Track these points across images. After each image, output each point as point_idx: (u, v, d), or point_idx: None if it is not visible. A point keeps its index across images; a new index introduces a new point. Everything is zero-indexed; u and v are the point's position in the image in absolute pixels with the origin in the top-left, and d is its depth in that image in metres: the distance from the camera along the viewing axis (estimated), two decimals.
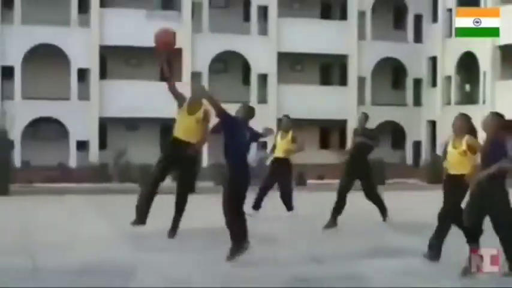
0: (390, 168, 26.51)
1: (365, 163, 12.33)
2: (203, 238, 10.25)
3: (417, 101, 37.93)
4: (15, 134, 30.38)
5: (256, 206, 13.05)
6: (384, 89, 37.98)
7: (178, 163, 9.76)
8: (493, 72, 33.48)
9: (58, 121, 33.43)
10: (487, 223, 7.81)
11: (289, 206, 13.10)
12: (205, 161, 29.85)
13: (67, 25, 33.62)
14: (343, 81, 37.93)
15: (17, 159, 30.93)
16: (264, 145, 26.48)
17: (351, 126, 36.94)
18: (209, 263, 8.34)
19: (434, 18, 37.36)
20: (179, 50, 34.59)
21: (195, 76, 34.47)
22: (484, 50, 33.62)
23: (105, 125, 34.38)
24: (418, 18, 38.19)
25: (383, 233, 11.15)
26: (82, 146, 33.22)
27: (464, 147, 8.39)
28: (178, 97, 9.77)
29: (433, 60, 37.37)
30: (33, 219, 12.55)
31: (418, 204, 15.91)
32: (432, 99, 36.93)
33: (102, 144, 33.93)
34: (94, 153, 33.00)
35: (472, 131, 8.52)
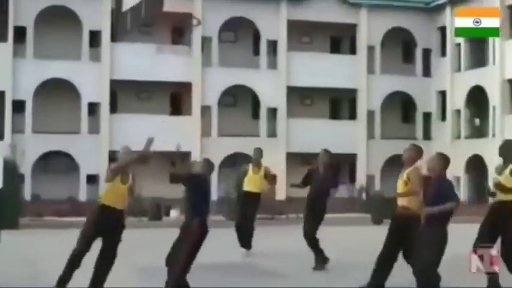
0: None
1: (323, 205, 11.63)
2: (213, 272, 10.20)
3: (427, 135, 37.87)
4: (26, 168, 30.48)
5: (247, 243, 12.70)
6: (393, 123, 37.98)
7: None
8: (503, 106, 33.45)
9: (68, 155, 33.52)
10: None
11: (248, 243, 12.69)
12: (214, 194, 29.82)
13: (78, 59, 33.91)
14: (352, 115, 37.97)
15: (27, 193, 31.02)
16: None
17: (361, 160, 37.04)
18: None
19: (443, 53, 37.49)
20: (189, 84, 34.86)
21: (205, 110, 34.60)
22: (493, 84, 33.66)
23: (115, 159, 34.41)
24: (426, 53, 38.32)
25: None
26: (92, 179, 33.23)
27: (405, 177, 8.52)
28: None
29: (442, 94, 37.41)
30: (42, 253, 12.54)
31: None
32: (442, 133, 36.88)
33: None
34: (104, 187, 32.94)
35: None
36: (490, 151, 28.24)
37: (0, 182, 13.36)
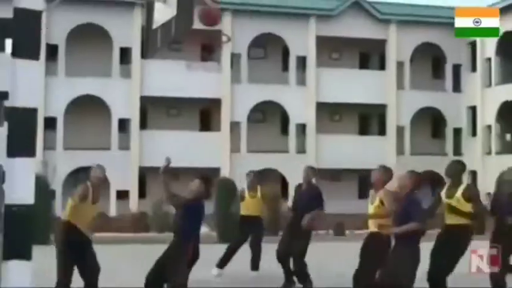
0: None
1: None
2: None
3: (457, 151, 37.58)
4: (57, 184, 30.75)
5: (224, 263, 12.29)
6: (423, 139, 37.77)
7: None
8: None
9: None
10: None
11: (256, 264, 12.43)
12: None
13: (108, 76, 34.26)
14: (382, 131, 37.83)
15: (58, 209, 31.26)
16: None
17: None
18: None
19: (473, 68, 37.27)
20: (218, 101, 35.01)
21: (234, 126, 34.71)
22: None
23: (145, 175, 34.65)
24: (456, 68, 38.12)
25: None
26: (122, 195, 33.44)
27: (377, 202, 8.17)
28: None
29: (473, 109, 37.16)
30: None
31: None
32: (472, 149, 36.60)
33: (142, 194, 34.15)
34: (134, 203, 33.22)
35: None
36: None
37: (31, 198, 13.50)
